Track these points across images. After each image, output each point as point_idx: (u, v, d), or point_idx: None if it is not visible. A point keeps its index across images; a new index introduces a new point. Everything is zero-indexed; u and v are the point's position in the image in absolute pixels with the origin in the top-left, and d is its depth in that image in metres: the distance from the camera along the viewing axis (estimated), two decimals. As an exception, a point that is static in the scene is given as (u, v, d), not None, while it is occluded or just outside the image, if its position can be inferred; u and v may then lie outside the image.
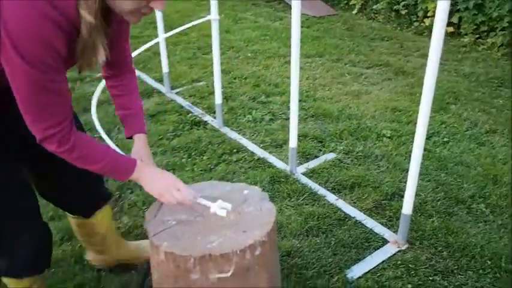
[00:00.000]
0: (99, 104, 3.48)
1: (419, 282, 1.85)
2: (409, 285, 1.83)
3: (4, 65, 1.06)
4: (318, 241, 2.07)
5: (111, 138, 2.99)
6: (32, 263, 1.53)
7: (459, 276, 1.89)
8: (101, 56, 1.17)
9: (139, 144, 1.54)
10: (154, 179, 1.36)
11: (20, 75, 1.06)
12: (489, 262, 1.95)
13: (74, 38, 1.10)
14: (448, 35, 5.13)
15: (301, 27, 2.38)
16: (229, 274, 1.26)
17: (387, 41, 5.16)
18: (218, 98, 3.10)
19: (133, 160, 1.35)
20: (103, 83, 3.61)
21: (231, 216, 1.36)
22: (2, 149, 1.36)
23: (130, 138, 1.55)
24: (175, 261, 1.26)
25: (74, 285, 1.85)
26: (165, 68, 3.65)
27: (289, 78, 3.95)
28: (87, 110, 3.18)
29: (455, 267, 1.93)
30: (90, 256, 1.95)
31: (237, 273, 1.26)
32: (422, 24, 5.51)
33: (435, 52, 1.65)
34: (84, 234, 1.85)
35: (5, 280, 1.63)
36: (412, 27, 5.58)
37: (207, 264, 1.24)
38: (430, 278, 1.88)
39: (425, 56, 1.71)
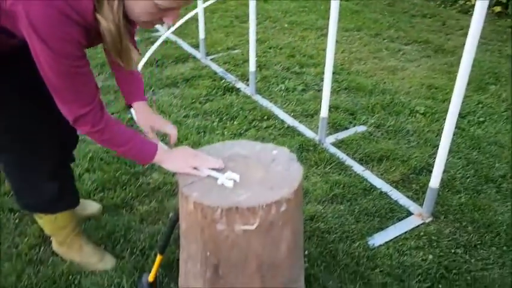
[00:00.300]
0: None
1: (441, 254, 1.87)
2: (430, 256, 1.85)
3: (34, 57, 1.15)
4: (341, 208, 2.11)
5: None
6: (56, 196, 1.61)
7: (482, 251, 1.90)
8: (135, 54, 1.26)
9: (143, 111, 1.57)
10: (173, 159, 1.42)
11: (48, 63, 1.14)
12: (514, 240, 1.95)
13: (92, 33, 1.17)
14: (495, 14, 4.94)
15: (341, 0, 2.36)
16: (254, 227, 1.31)
17: (429, 18, 5.01)
18: (252, 66, 3.12)
19: (154, 146, 1.40)
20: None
21: (259, 173, 1.41)
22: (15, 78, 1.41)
23: (130, 106, 1.59)
24: (203, 211, 1.31)
25: (107, 231, 1.96)
26: (201, 35, 3.69)
27: (324, 50, 3.93)
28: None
29: (479, 242, 1.94)
30: None
31: (262, 227, 1.31)
32: (468, 2, 5.30)
33: (475, 29, 1.63)
34: None
35: (40, 221, 1.74)
36: (457, 5, 5.39)
37: (234, 216, 1.29)
38: (452, 251, 1.89)
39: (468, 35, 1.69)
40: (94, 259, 1.80)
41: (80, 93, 1.23)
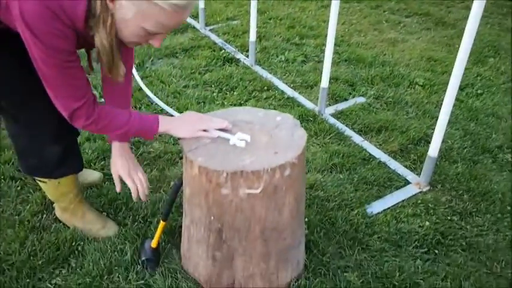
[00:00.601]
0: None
1: (437, 221, 1.91)
2: (427, 223, 1.89)
3: (29, 52, 1.19)
4: (341, 177, 2.14)
5: (144, 69, 3.06)
6: (60, 160, 1.64)
7: (477, 218, 1.95)
8: (122, 69, 1.30)
9: (116, 153, 1.60)
10: (180, 125, 1.45)
11: (41, 58, 1.18)
12: (509, 208, 1.99)
13: (80, 39, 1.21)
14: (496, -13, 4.90)
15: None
16: (258, 191, 1.33)
17: (430, -10, 4.96)
18: (252, 36, 3.10)
19: (155, 118, 1.43)
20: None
21: (263, 138, 1.42)
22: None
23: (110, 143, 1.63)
24: (207, 175, 1.33)
25: (109, 199, 1.98)
26: (201, 4, 3.65)
27: (325, 21, 3.92)
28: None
29: (474, 210, 1.98)
30: None
31: (266, 191, 1.34)
32: (468, -26, 5.25)
33: (479, 2, 1.63)
34: None
35: (43, 186, 1.75)
36: (458, -23, 5.33)
37: (238, 180, 1.31)
38: (448, 218, 1.93)
39: (469, 8, 1.68)
40: (97, 226, 1.83)
41: (74, 87, 1.28)
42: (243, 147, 1.38)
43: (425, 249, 1.79)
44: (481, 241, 1.83)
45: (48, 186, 1.74)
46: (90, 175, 2.09)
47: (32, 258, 1.70)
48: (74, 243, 1.77)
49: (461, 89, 2.92)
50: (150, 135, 1.43)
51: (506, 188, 2.10)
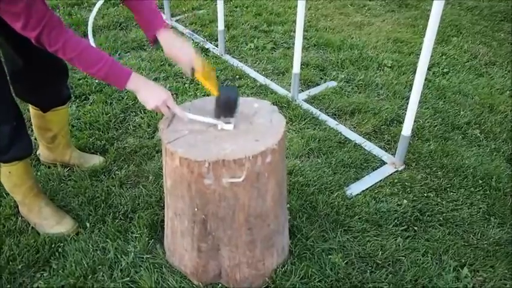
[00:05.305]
0: (99, 29, 3.45)
1: (414, 198, 1.96)
2: (405, 201, 1.94)
3: None
4: (319, 161, 2.16)
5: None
6: (8, 141, 1.62)
7: (451, 193, 2.01)
8: None
9: (166, 41, 1.50)
10: (150, 91, 1.43)
11: None
12: (480, 181, 2.06)
13: None
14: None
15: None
16: (241, 179, 1.33)
17: (391, -28, 5.02)
18: (220, 25, 3.06)
19: (129, 70, 1.42)
20: (98, 5, 3.57)
21: (242, 126, 1.42)
22: None
23: (156, 41, 1.52)
24: (189, 166, 1.32)
25: (87, 198, 1.94)
26: (165, -6, 3.58)
27: (291, 8, 3.91)
28: (86, 35, 3.15)
29: (449, 185, 2.05)
30: (40, 150, 2.13)
31: (248, 179, 1.34)
32: (427, -45, 5.34)
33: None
34: (38, 127, 2.00)
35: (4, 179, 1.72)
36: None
37: (221, 170, 1.31)
38: (425, 195, 1.99)
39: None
40: (51, 221, 1.80)
41: (28, 15, 1.26)
42: (231, 129, 1.39)
43: (405, 227, 1.84)
44: (457, 215, 1.89)
45: (2, 174, 1.73)
46: (91, 159, 2.14)
47: (11, 263, 1.66)
48: (53, 245, 1.73)
49: (428, 68, 2.97)
50: (121, 81, 1.40)
51: (476, 162, 2.17)
